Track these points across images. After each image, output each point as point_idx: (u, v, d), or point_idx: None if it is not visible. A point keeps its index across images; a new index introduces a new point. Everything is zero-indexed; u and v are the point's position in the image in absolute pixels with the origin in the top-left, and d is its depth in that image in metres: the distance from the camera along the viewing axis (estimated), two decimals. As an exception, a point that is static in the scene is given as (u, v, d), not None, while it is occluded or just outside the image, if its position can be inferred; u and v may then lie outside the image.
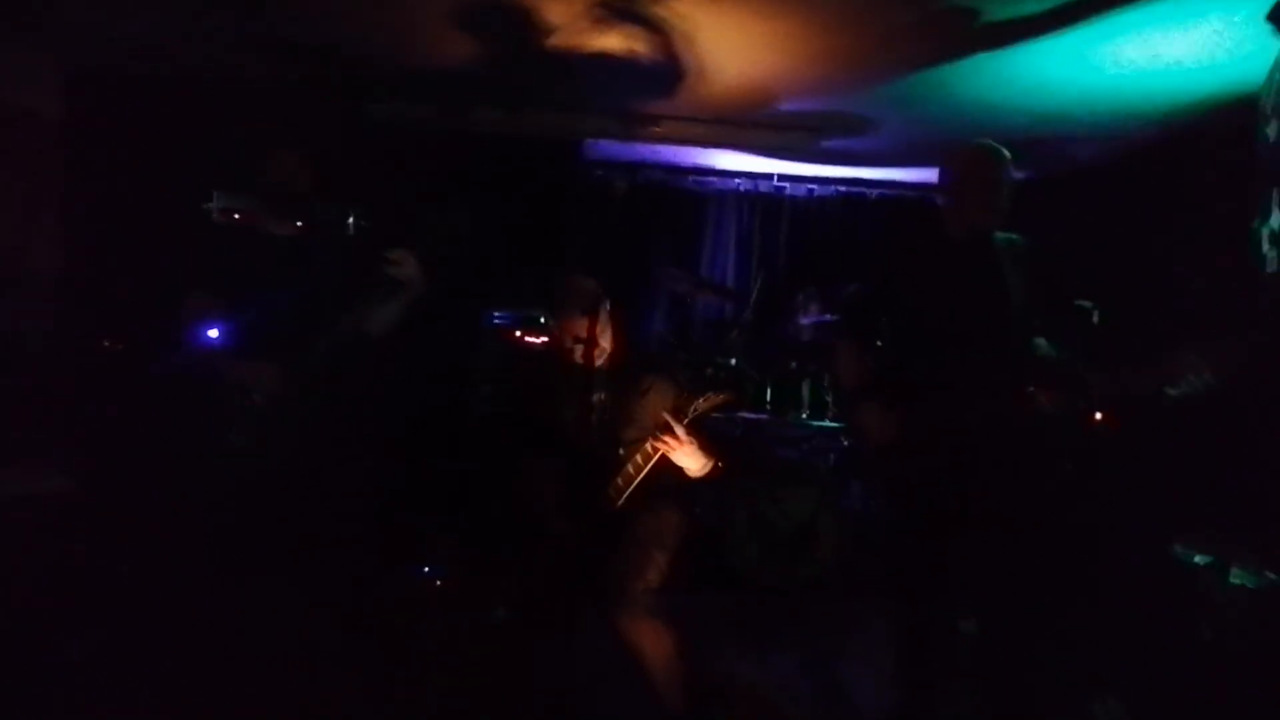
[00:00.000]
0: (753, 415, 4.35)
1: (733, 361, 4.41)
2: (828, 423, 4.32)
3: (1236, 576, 2.56)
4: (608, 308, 2.68)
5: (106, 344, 3.61)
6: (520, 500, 2.82)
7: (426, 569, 3.80)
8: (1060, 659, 2.87)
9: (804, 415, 4.35)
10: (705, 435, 2.53)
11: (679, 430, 2.39)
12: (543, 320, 4.39)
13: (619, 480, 2.53)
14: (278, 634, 2.76)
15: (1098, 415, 2.57)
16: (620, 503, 2.54)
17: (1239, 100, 3.17)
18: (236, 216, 3.53)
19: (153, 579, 3.05)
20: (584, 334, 2.57)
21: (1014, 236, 2.52)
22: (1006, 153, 2.50)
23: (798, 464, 4.32)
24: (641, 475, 2.49)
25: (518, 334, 4.40)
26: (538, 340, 4.37)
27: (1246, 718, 2.42)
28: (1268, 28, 2.48)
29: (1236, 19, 2.67)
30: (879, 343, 2.70)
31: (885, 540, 3.79)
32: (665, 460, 2.50)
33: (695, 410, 2.41)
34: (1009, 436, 2.37)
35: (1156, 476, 3.39)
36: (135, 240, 3.69)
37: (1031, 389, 2.28)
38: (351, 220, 3.76)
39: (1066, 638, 2.99)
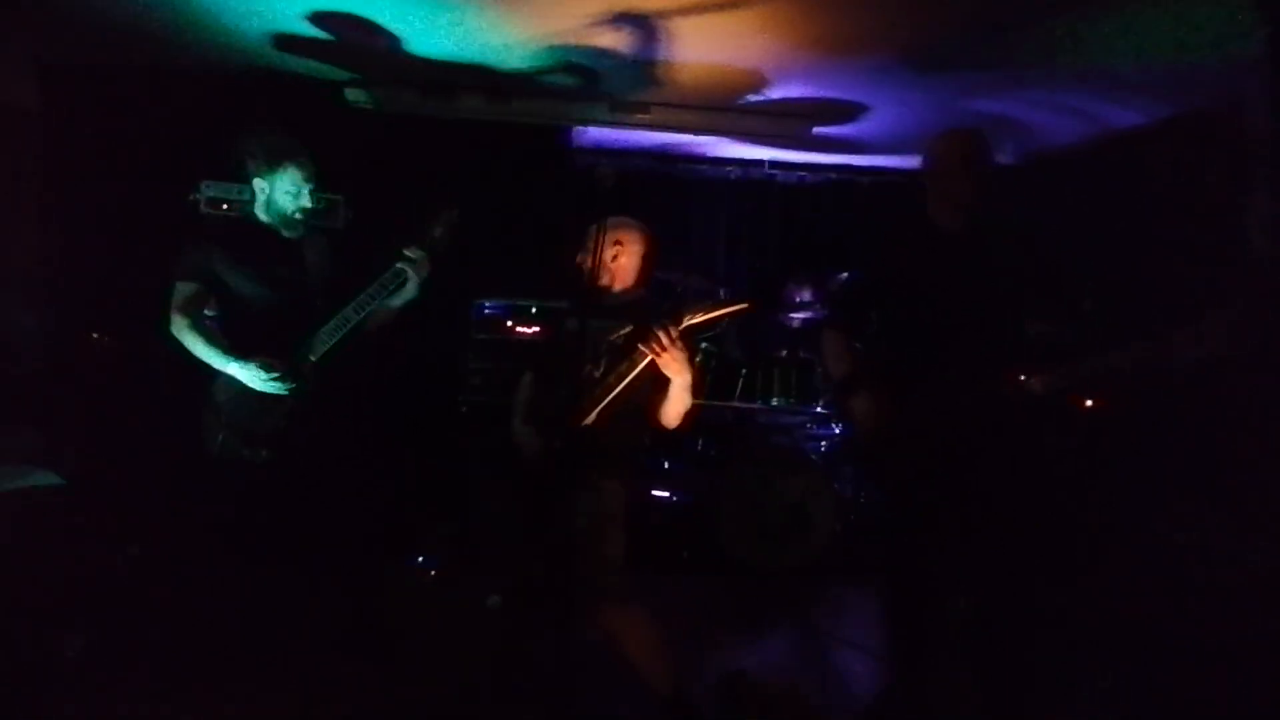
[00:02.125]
0: (744, 403, 4.37)
1: (723, 349, 4.43)
2: (819, 410, 4.35)
3: (1223, 556, 2.60)
4: (650, 243, 2.58)
5: (95, 337, 3.58)
6: (511, 487, 2.79)
7: (421, 559, 3.81)
8: (1051, 639, 2.90)
9: (794, 402, 4.38)
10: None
11: (669, 336, 2.25)
12: (534, 310, 4.39)
13: (595, 392, 2.36)
14: (274, 625, 2.77)
15: (1089, 402, 2.59)
16: (592, 418, 2.35)
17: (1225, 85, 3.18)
18: (225, 207, 3.50)
19: (149, 574, 3.05)
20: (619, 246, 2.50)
21: (1003, 221, 2.52)
22: (986, 137, 2.49)
23: (790, 450, 4.35)
24: (623, 385, 2.33)
25: (508, 324, 4.39)
26: (528, 331, 4.37)
27: (1235, 691, 2.47)
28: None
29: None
30: (868, 332, 2.71)
31: (877, 525, 3.82)
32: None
33: (693, 318, 2.28)
34: (1001, 422, 2.38)
35: (1147, 460, 3.42)
36: (122, 233, 3.65)
37: (1023, 374, 2.29)
38: (341, 211, 3.74)
39: (1057, 618, 3.02)
